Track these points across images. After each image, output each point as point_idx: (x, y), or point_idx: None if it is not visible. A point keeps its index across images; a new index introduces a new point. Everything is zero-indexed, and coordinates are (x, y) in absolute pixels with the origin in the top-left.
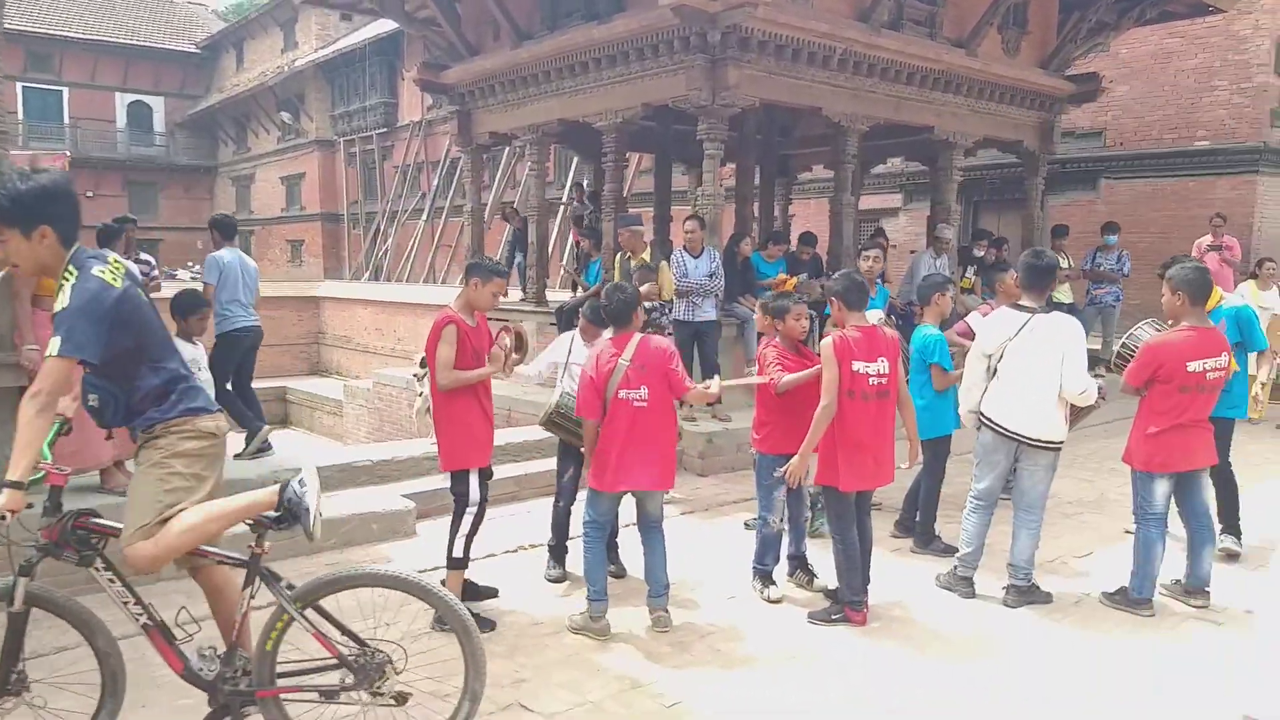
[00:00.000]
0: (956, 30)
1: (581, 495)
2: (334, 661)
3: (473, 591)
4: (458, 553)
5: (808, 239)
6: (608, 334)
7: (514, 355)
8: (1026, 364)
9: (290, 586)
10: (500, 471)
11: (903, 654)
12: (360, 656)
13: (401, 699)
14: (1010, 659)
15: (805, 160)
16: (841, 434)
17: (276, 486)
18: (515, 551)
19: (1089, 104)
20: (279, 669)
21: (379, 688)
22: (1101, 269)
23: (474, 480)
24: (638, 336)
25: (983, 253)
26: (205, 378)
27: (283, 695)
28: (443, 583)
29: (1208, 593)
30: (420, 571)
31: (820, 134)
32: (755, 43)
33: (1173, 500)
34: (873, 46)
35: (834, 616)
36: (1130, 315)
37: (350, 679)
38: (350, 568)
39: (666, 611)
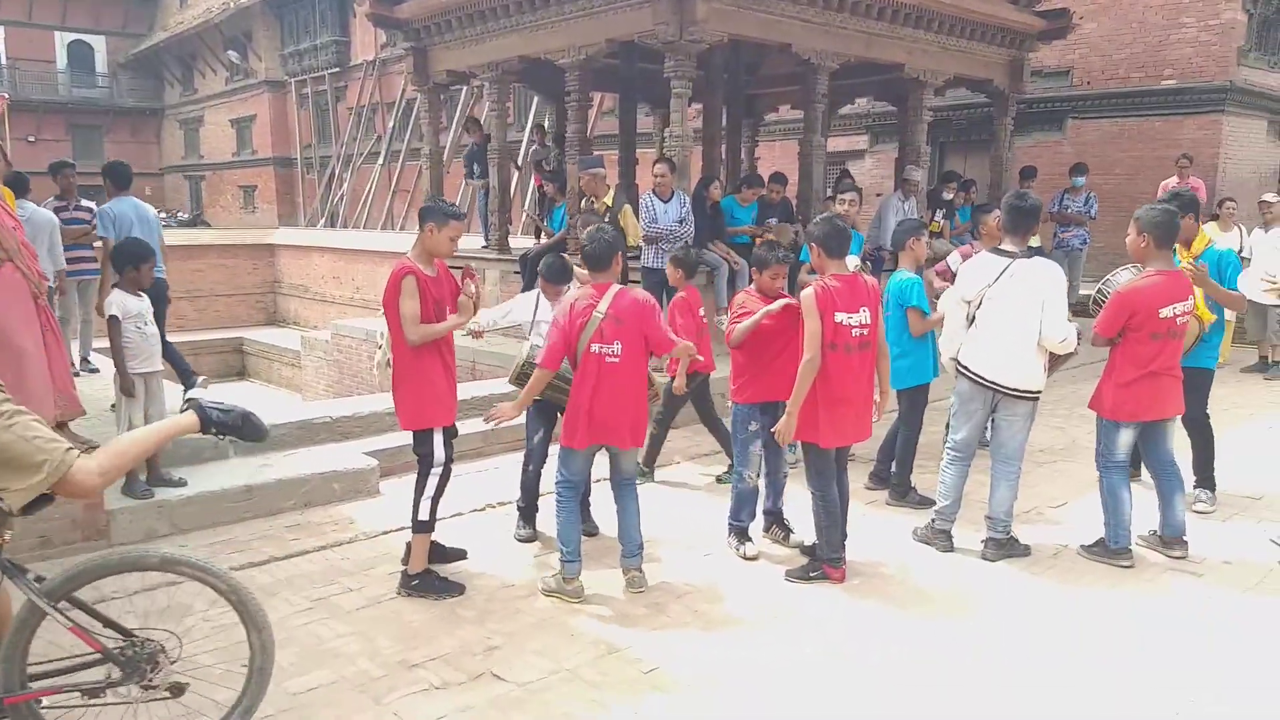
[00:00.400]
0: None
1: (553, 455)
2: (97, 656)
3: (440, 554)
4: (423, 515)
5: (778, 179)
6: (572, 288)
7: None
8: (1006, 311)
9: (40, 579)
10: (465, 427)
11: (883, 611)
12: (127, 648)
13: (178, 690)
14: (991, 615)
15: (772, 101)
16: (824, 388)
17: (190, 409)
18: (483, 510)
19: (1056, 42)
20: (36, 670)
21: (151, 680)
22: (1069, 211)
23: (438, 439)
24: (616, 287)
25: (951, 195)
26: (151, 331)
27: (38, 699)
28: (408, 546)
29: (1185, 542)
30: (384, 533)
31: (787, 73)
32: None
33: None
34: None
35: (812, 574)
36: (1094, 258)
37: (117, 673)
38: (110, 553)
39: (641, 571)
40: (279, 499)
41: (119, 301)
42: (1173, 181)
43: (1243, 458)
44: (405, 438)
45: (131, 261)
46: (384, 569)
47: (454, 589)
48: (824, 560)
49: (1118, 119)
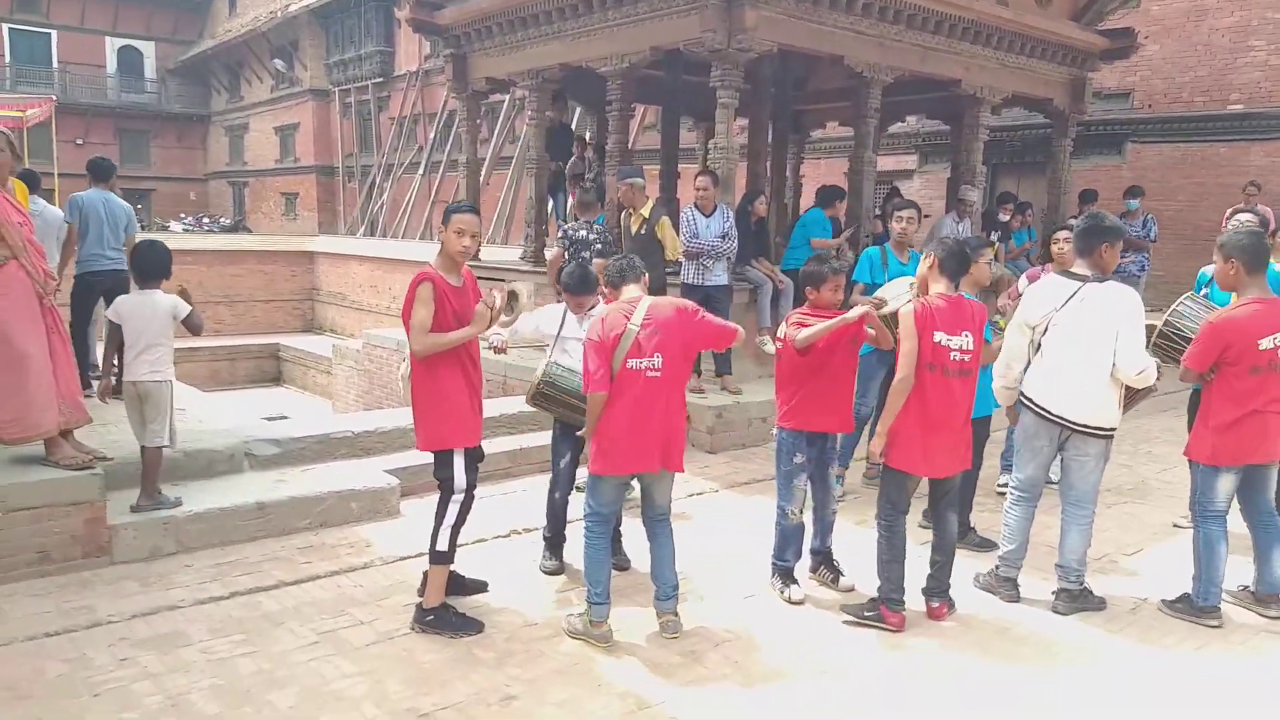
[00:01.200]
0: None
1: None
2: None
3: (459, 585)
4: (442, 545)
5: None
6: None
7: (504, 317)
8: (1075, 339)
9: None
10: (492, 446)
11: (945, 669)
12: None
13: None
14: (1066, 677)
15: (819, 117)
16: (919, 411)
17: None
18: (508, 536)
19: (1117, 64)
20: None
21: None
22: (1128, 235)
23: (459, 462)
24: (647, 299)
25: (1007, 218)
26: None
27: None
28: (425, 576)
29: None
30: (402, 559)
31: (836, 88)
32: None
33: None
34: None
35: (867, 614)
36: (1153, 286)
37: None
38: None
39: (676, 615)
40: (293, 518)
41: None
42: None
43: None
44: (429, 456)
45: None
46: (399, 599)
47: (471, 626)
48: (882, 600)
49: (1180, 144)
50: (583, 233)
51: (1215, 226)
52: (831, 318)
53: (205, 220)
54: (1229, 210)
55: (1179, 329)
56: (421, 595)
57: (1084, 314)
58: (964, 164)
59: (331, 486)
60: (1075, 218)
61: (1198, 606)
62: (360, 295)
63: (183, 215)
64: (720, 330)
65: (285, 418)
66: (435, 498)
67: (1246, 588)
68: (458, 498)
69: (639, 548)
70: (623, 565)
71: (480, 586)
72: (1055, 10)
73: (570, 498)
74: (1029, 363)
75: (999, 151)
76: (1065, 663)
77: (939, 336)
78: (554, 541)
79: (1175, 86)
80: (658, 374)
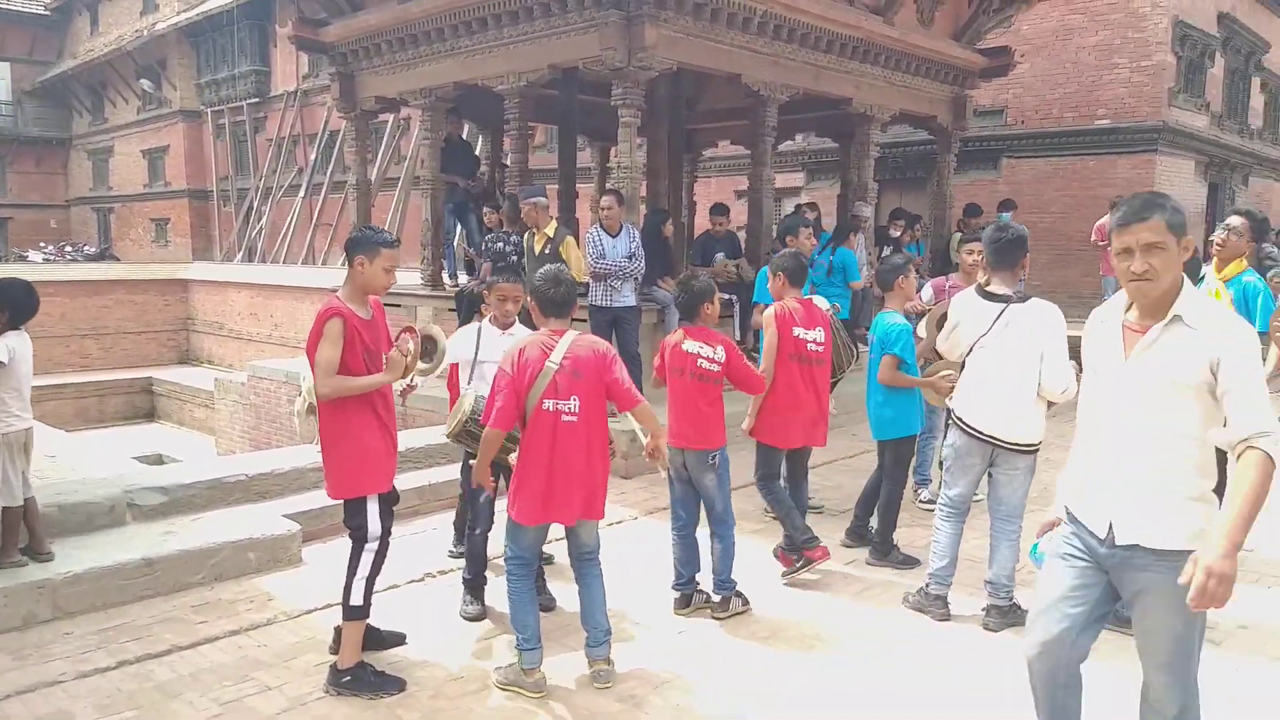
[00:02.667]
0: None
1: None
2: None
3: (376, 639)
4: (356, 600)
5: (720, 210)
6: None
7: (420, 364)
8: (1003, 361)
9: None
10: (400, 482)
11: (884, 692)
12: None
13: None
14: (1008, 697)
15: (711, 136)
16: (785, 394)
17: None
18: (422, 580)
19: (990, 82)
20: None
21: None
22: None
23: (373, 509)
24: (572, 333)
25: (899, 233)
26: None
27: None
28: (337, 631)
29: None
30: (308, 612)
31: (727, 107)
32: (673, 0)
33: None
34: (793, 9)
35: (799, 565)
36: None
37: None
38: None
39: (609, 664)
40: (184, 573)
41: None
42: (1106, 220)
43: None
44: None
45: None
46: (309, 658)
47: (392, 685)
48: (801, 546)
49: (1051, 158)
50: (500, 244)
51: (1086, 236)
52: (712, 335)
53: (68, 249)
54: (1098, 223)
55: None
56: (335, 654)
57: (1010, 337)
58: (855, 181)
59: (226, 536)
60: (959, 231)
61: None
62: (239, 324)
63: (43, 244)
64: (626, 394)
65: (162, 456)
66: (339, 543)
67: None
68: (371, 546)
69: (565, 589)
70: (548, 606)
71: (398, 639)
72: (937, 30)
73: (489, 535)
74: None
75: (883, 168)
76: (1002, 680)
77: (797, 331)
78: (475, 584)
79: (1046, 103)
80: (573, 418)
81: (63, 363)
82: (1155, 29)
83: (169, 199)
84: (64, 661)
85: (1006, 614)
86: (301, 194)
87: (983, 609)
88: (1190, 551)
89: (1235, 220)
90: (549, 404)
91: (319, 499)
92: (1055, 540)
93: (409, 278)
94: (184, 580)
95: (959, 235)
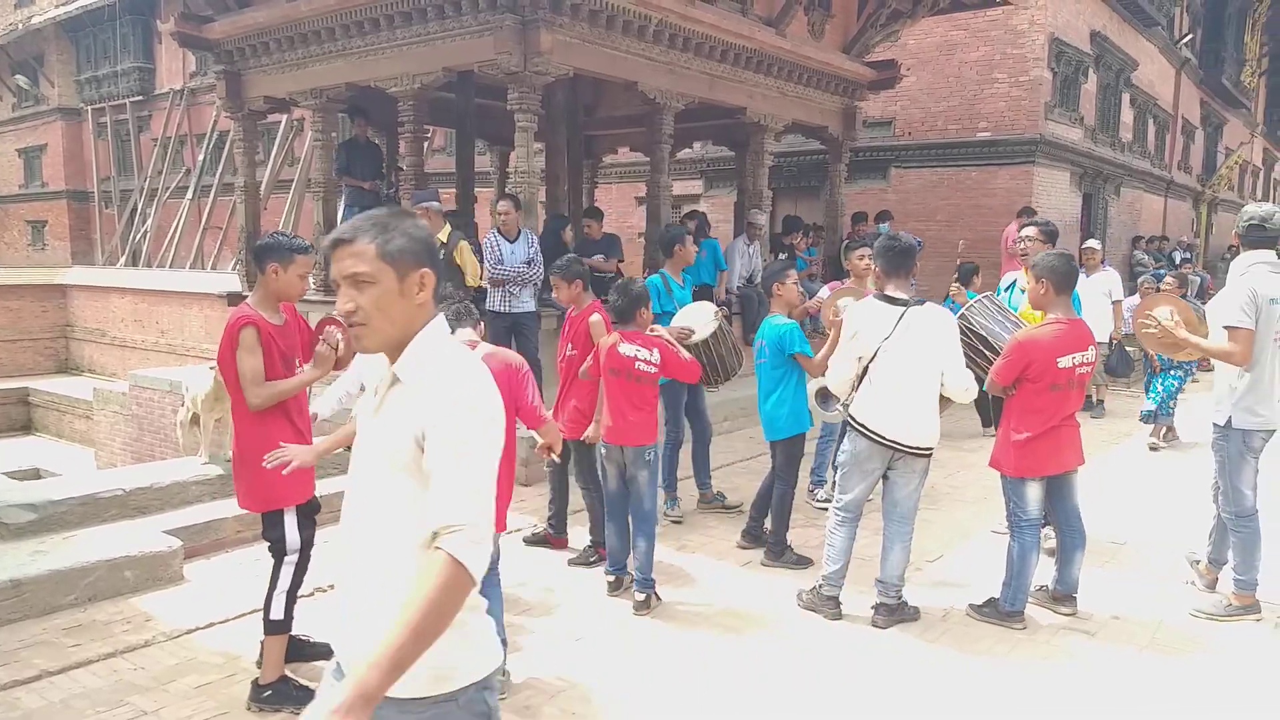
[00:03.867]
0: (766, 8)
1: None
2: None
3: (298, 650)
4: (277, 614)
5: (594, 214)
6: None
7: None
8: (904, 365)
9: None
10: (321, 487)
11: (780, 691)
12: None
13: None
14: (898, 695)
15: (610, 142)
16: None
17: None
18: (334, 588)
19: (879, 94)
20: None
21: None
22: None
23: (291, 521)
24: (483, 347)
25: (796, 241)
26: None
27: None
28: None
29: (1075, 599)
30: (190, 632)
31: (624, 115)
32: (568, 5)
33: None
34: (688, 18)
35: (592, 559)
36: None
37: None
38: None
39: (505, 674)
40: (56, 594)
41: None
42: (1013, 228)
43: (1092, 501)
44: (215, 510)
45: None
46: (189, 681)
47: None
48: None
49: (937, 168)
50: None
51: (970, 244)
52: (648, 340)
53: None
54: (1008, 231)
55: (971, 323)
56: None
57: (911, 340)
58: (751, 189)
59: (101, 554)
60: (849, 237)
61: (1004, 611)
62: (123, 331)
63: None
64: (533, 413)
65: (39, 471)
66: (222, 558)
67: (1044, 587)
68: (291, 559)
69: None
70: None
71: (324, 651)
72: (828, 43)
73: None
74: (857, 387)
75: (777, 176)
76: (891, 677)
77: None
78: None
79: (931, 115)
80: None
81: None
82: (1033, 45)
83: (47, 200)
84: None
85: (895, 611)
86: (189, 196)
87: (872, 607)
88: (436, 696)
89: (1030, 231)
90: None
91: (202, 513)
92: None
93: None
94: (55, 602)
95: (848, 242)
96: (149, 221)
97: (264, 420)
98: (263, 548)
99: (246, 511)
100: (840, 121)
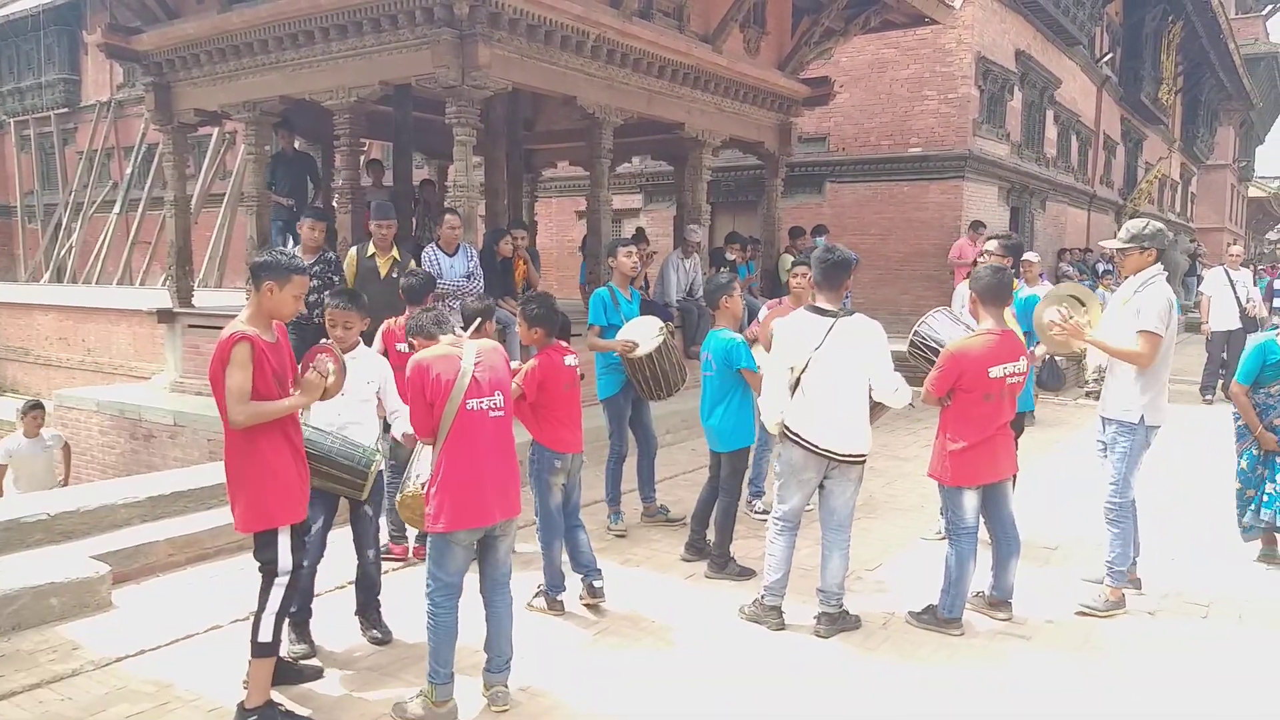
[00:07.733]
0: (703, 25)
1: (333, 552)
2: None
3: (285, 673)
4: (265, 636)
5: (520, 225)
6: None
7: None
8: (835, 375)
9: None
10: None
11: (731, 704)
12: None
13: None
14: (843, 705)
15: (550, 156)
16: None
17: None
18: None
19: (814, 110)
20: None
21: None
22: None
23: (284, 541)
24: (471, 341)
25: (734, 255)
26: None
27: None
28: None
29: (1010, 604)
30: (119, 660)
31: (564, 129)
32: (506, 20)
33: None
34: (626, 34)
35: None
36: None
37: None
38: None
39: (506, 686)
40: None
41: None
42: (964, 242)
43: (1025, 506)
44: (145, 534)
45: None
46: (120, 710)
47: None
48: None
49: (870, 183)
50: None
51: (904, 257)
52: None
53: None
54: (955, 243)
55: (924, 337)
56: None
57: (839, 349)
58: (689, 204)
59: (24, 581)
60: (787, 251)
61: (943, 618)
62: (48, 349)
63: None
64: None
65: None
66: (152, 583)
67: (980, 593)
68: (282, 580)
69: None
70: (383, 640)
71: (316, 674)
72: (764, 60)
73: (318, 568)
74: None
75: (715, 190)
76: (838, 686)
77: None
78: (301, 620)
79: (864, 131)
80: (501, 413)
81: None
82: (960, 64)
83: None
84: None
85: (836, 620)
86: (117, 210)
87: (814, 617)
88: None
89: (992, 245)
90: (474, 404)
91: (132, 537)
92: None
93: (235, 298)
94: None
95: (788, 256)
96: (74, 236)
97: (258, 437)
98: (196, 572)
99: (238, 531)
100: (776, 137)
